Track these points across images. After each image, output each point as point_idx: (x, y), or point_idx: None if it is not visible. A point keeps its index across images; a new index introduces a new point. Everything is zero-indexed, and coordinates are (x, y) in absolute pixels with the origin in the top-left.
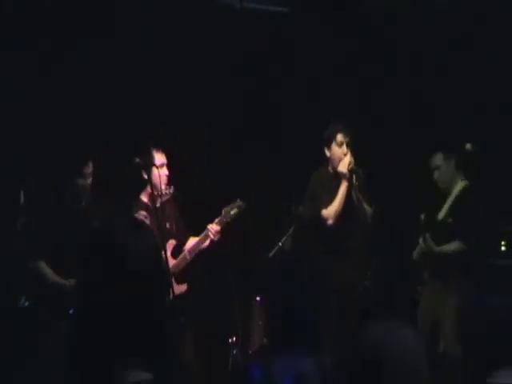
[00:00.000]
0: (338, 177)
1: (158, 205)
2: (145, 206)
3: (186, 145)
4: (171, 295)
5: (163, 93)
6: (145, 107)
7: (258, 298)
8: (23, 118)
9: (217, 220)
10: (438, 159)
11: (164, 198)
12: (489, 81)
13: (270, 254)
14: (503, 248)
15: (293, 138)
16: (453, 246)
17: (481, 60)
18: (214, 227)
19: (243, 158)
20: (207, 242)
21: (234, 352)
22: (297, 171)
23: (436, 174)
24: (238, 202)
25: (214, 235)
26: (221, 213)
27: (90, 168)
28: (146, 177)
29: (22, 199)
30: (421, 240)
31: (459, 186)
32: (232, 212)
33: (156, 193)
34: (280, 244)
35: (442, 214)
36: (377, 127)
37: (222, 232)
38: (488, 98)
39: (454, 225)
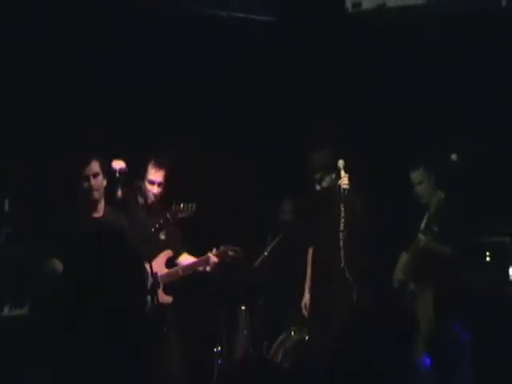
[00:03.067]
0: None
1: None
2: (138, 214)
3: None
4: (152, 300)
5: (149, 103)
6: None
7: (243, 308)
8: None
9: (215, 252)
10: (420, 174)
11: (184, 215)
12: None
13: (255, 264)
14: (488, 259)
15: (278, 148)
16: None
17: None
18: (214, 259)
19: (230, 168)
20: (202, 268)
21: (219, 362)
22: (283, 182)
23: (418, 189)
24: (238, 248)
25: (212, 266)
26: (218, 247)
27: (91, 170)
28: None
29: (7, 207)
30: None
31: (436, 198)
32: (230, 253)
33: (177, 207)
34: (265, 254)
35: (422, 227)
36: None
37: (218, 266)
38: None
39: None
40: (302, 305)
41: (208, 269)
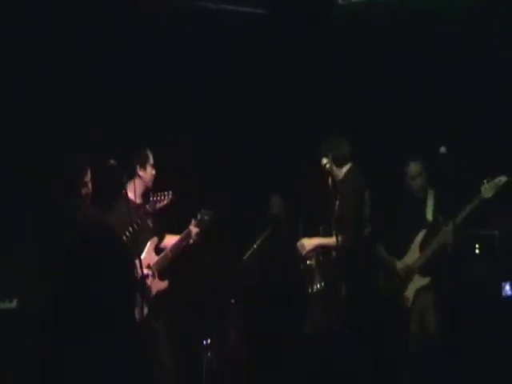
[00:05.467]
0: None
1: (156, 208)
2: (133, 204)
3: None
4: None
5: (137, 98)
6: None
7: (232, 301)
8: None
9: (194, 222)
10: (419, 166)
11: (163, 204)
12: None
13: (245, 257)
14: (477, 251)
15: (267, 142)
16: None
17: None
18: (194, 229)
19: (218, 159)
20: (186, 242)
21: (209, 354)
22: (274, 174)
23: (417, 182)
24: (210, 211)
25: (194, 237)
26: (196, 216)
27: (88, 176)
28: (123, 177)
29: None
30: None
31: (432, 193)
32: (206, 218)
33: (155, 197)
34: (255, 246)
35: (430, 216)
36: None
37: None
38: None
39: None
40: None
41: (191, 241)
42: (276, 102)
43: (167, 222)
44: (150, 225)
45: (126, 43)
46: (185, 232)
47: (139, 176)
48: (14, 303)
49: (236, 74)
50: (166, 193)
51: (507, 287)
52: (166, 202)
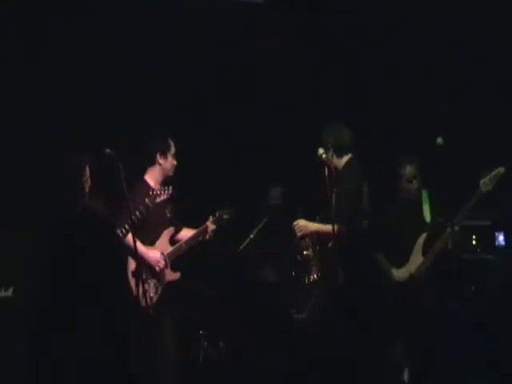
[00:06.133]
0: None
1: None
2: (151, 189)
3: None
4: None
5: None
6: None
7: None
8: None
9: (212, 219)
10: (416, 168)
11: (162, 198)
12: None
13: (241, 247)
14: (474, 242)
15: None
16: None
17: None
18: (211, 226)
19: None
20: (202, 238)
21: (205, 344)
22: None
23: (414, 184)
24: (230, 209)
25: (210, 233)
26: (214, 214)
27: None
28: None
29: None
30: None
31: (426, 194)
32: (225, 217)
33: (155, 192)
34: (251, 237)
35: (428, 218)
36: None
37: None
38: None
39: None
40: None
41: (207, 237)
42: (275, 92)
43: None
44: (168, 214)
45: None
46: (202, 227)
47: (159, 164)
48: (10, 292)
49: (235, 63)
50: (166, 187)
51: (500, 237)
52: (165, 196)
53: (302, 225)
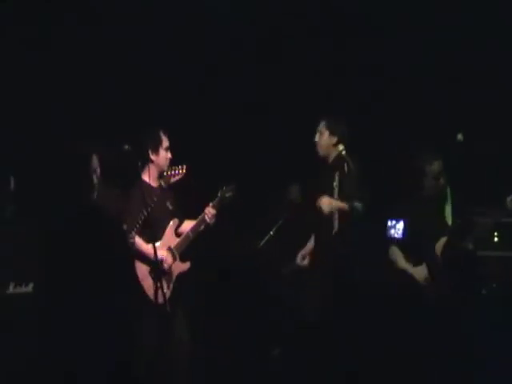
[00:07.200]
0: None
1: (170, 182)
2: (149, 187)
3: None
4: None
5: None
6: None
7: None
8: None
9: (212, 203)
10: (441, 166)
11: (177, 178)
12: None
13: (261, 244)
14: (496, 239)
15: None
16: None
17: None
18: (210, 210)
19: (237, 145)
20: (205, 224)
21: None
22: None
23: (441, 183)
24: (232, 185)
25: (210, 218)
26: (216, 196)
27: (96, 161)
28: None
29: (12, 186)
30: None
31: (449, 194)
32: (227, 195)
33: (169, 172)
34: (271, 233)
35: (450, 220)
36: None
37: (217, 215)
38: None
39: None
40: (300, 255)
41: (209, 221)
42: (275, 92)
43: (187, 204)
44: (170, 207)
45: (137, 34)
46: (200, 216)
47: (152, 160)
48: (30, 288)
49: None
50: (179, 166)
51: None
52: (180, 176)
53: (326, 200)
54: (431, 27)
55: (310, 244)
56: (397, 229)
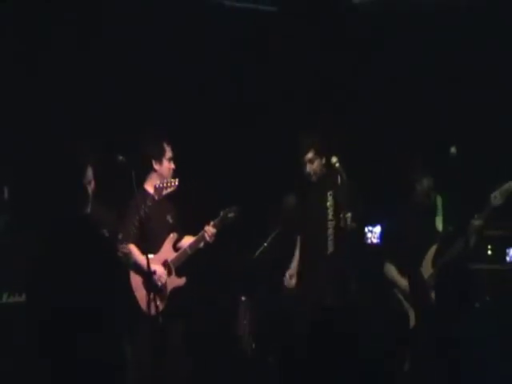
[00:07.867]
0: None
1: (162, 194)
2: (151, 198)
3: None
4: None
5: (154, 90)
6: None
7: (243, 298)
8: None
9: (213, 222)
10: (430, 182)
11: (169, 190)
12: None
13: (256, 254)
14: (489, 252)
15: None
16: None
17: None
18: (210, 229)
19: (233, 156)
20: (204, 241)
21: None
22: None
23: (431, 198)
24: (235, 207)
25: (210, 237)
26: (218, 215)
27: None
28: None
29: (6, 195)
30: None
31: (440, 201)
32: (229, 215)
33: (161, 184)
34: (265, 244)
35: (440, 227)
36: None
37: (217, 235)
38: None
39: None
40: (287, 275)
41: (209, 240)
42: (275, 92)
43: (188, 219)
44: (170, 221)
45: (140, 37)
46: (200, 234)
47: (155, 170)
48: (23, 297)
49: (243, 70)
50: (172, 180)
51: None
52: (172, 188)
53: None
54: (431, 27)
55: (295, 263)
56: (373, 233)
